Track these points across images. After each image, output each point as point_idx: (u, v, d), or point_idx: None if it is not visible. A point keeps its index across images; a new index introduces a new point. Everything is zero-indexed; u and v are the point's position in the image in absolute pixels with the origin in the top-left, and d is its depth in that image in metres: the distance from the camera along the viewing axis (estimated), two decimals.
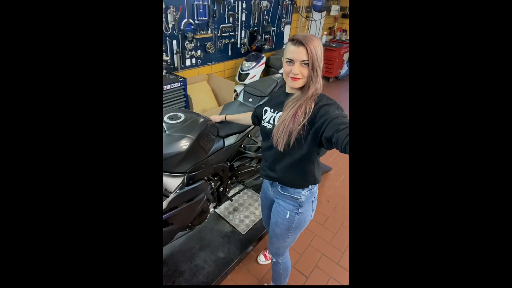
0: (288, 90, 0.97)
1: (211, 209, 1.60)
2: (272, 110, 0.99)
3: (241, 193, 2.16)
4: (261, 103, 1.27)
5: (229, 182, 1.66)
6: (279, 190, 1.06)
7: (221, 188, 1.60)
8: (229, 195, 1.76)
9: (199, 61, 2.95)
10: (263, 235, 1.85)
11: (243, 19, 3.19)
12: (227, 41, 3.12)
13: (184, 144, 1.17)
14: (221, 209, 2.00)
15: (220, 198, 1.65)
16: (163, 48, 2.56)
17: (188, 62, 2.85)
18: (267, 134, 0.98)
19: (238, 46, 3.31)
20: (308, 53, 0.83)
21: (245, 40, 3.33)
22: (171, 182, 1.18)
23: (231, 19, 3.04)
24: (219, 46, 3.07)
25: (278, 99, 1.00)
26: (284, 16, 3.82)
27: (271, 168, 1.02)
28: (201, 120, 1.30)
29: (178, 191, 1.19)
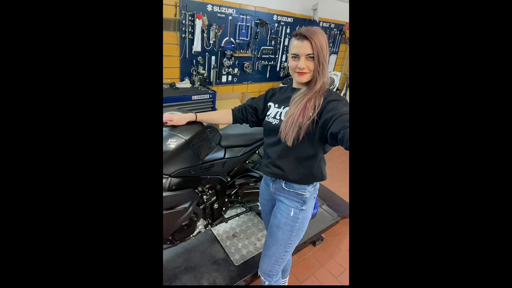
0: (295, 85, 0.96)
1: (200, 227, 1.41)
2: (277, 105, 0.97)
3: (245, 218, 1.94)
4: (257, 98, 1.10)
5: (226, 200, 1.47)
6: (282, 186, 1.00)
7: (216, 205, 1.42)
8: (227, 216, 1.57)
9: (235, 79, 2.98)
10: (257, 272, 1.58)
11: (286, 43, 3.19)
12: (266, 63, 3.12)
13: (171, 143, 1.06)
14: (220, 231, 1.80)
15: (214, 217, 1.46)
16: (201, 61, 2.65)
17: (224, 78, 2.90)
18: (272, 130, 0.95)
19: (277, 69, 3.29)
20: (313, 46, 0.83)
21: (286, 64, 3.30)
22: None
23: (273, 42, 3.06)
24: (258, 66, 3.08)
25: (283, 95, 0.98)
26: (331, 45, 3.73)
27: (275, 164, 0.97)
28: (201, 123, 1.19)
29: None
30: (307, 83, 0.89)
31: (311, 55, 0.84)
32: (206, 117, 1.16)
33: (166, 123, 1.09)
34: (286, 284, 1.25)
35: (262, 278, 1.13)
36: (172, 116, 1.09)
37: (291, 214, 0.99)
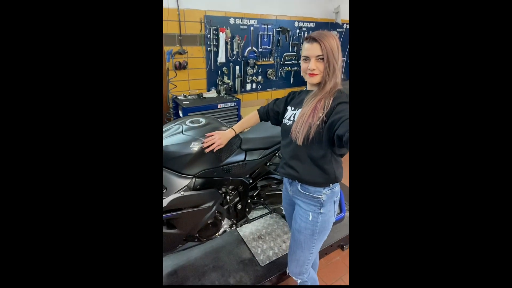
0: (308, 87, 1.00)
1: (225, 226, 1.49)
2: (293, 108, 1.02)
3: (271, 220, 1.97)
4: (279, 100, 1.16)
5: (249, 201, 1.53)
6: (298, 189, 1.02)
7: (240, 206, 1.49)
8: (251, 217, 1.62)
9: (259, 86, 3.07)
10: (284, 273, 1.59)
11: None
12: (289, 69, 3.17)
13: (194, 146, 1.16)
14: (246, 233, 1.86)
15: (238, 217, 1.53)
16: (226, 72, 2.80)
17: (248, 87, 3.01)
18: (286, 131, 0.99)
19: (301, 74, 3.32)
20: (322, 48, 0.86)
21: None
22: (177, 182, 1.16)
23: (295, 48, 3.11)
24: (281, 73, 3.15)
25: (299, 98, 1.02)
26: None
27: (288, 164, 1.00)
28: (222, 128, 1.28)
29: (182, 193, 1.16)
30: (319, 85, 0.92)
31: (321, 57, 0.87)
32: (241, 127, 1.27)
33: (214, 149, 1.17)
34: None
35: (294, 277, 1.16)
36: (218, 141, 1.17)
37: (310, 219, 1.00)
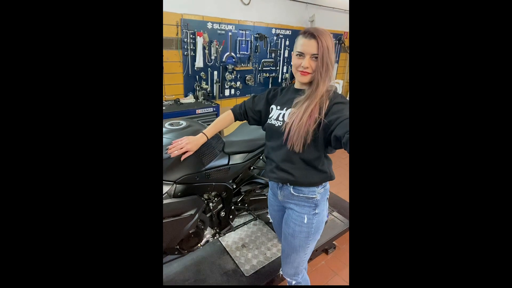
0: (297, 85, 0.94)
1: (208, 236, 1.40)
2: (279, 107, 0.95)
3: (254, 228, 1.90)
4: (257, 99, 1.08)
5: (233, 207, 1.46)
6: (291, 192, 0.96)
7: (223, 213, 1.41)
8: (234, 224, 1.55)
9: (238, 92, 3.04)
10: (270, 282, 1.53)
11: (286, 55, 3.27)
12: (267, 75, 3.18)
13: None
14: (228, 242, 1.77)
15: (221, 225, 1.45)
16: (204, 76, 2.73)
17: (227, 92, 2.96)
18: (274, 132, 0.93)
19: (279, 80, 3.35)
20: (319, 46, 0.81)
21: (287, 75, 3.36)
22: None
23: (273, 55, 3.13)
24: (259, 79, 3.14)
25: (286, 97, 0.97)
26: None
27: (280, 168, 0.93)
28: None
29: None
30: (310, 84, 0.88)
31: (316, 55, 0.82)
32: (214, 130, 1.12)
33: (182, 157, 1.05)
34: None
35: (288, 279, 1.13)
36: (188, 147, 1.04)
37: (305, 221, 0.96)
